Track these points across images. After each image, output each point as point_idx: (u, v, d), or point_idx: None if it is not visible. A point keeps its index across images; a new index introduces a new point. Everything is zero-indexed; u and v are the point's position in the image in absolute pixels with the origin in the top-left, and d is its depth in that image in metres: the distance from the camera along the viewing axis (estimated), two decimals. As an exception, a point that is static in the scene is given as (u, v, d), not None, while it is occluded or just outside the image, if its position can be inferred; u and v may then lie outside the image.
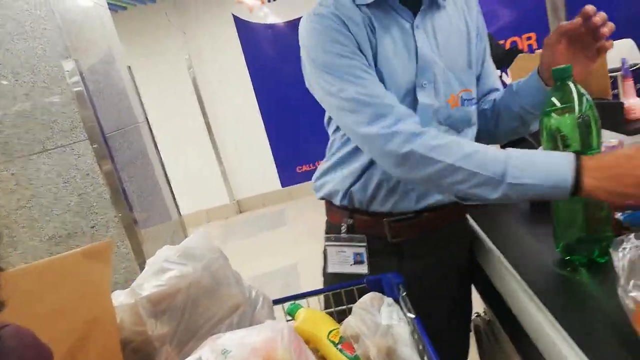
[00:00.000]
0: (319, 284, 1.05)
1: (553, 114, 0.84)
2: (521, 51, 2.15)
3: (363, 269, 1.04)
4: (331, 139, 1.09)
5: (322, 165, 1.12)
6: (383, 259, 1.04)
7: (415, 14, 0.97)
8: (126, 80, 2.36)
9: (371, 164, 0.99)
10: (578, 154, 0.75)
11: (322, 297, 0.90)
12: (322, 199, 1.12)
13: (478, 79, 1.08)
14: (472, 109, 1.04)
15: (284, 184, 5.36)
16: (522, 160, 0.77)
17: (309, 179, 1.23)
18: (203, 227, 5.20)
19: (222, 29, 5.02)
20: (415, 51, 0.95)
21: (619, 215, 0.87)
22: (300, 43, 0.98)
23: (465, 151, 0.80)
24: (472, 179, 0.79)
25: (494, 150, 0.82)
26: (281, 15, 4.96)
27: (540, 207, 1.10)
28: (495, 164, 0.78)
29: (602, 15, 0.85)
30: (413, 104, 0.96)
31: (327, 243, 1.09)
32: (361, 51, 0.92)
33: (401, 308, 0.87)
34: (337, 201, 1.07)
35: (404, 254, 1.04)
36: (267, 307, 0.80)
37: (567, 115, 0.82)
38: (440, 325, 1.07)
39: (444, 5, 1.01)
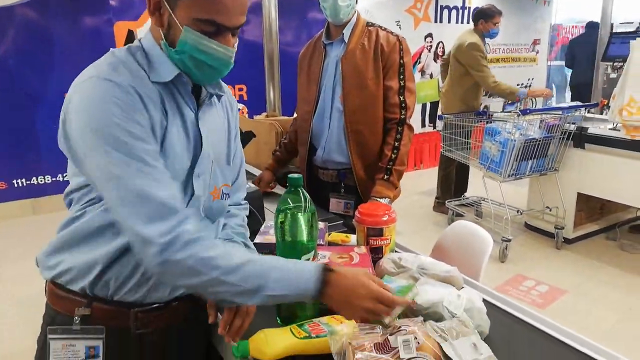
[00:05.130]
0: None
1: (286, 211, 1.01)
2: (254, 136, 2.39)
3: None
4: (77, 205, 0.93)
5: (61, 237, 0.94)
6: (121, 353, 0.95)
7: (198, 105, 0.99)
8: None
9: (128, 246, 0.89)
10: (328, 270, 0.88)
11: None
12: (52, 280, 0.95)
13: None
14: (227, 202, 1.10)
15: None
16: (281, 274, 0.86)
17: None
18: None
19: None
20: (199, 141, 0.96)
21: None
22: (76, 103, 0.83)
23: (233, 263, 0.83)
24: (233, 290, 0.83)
25: (260, 261, 0.88)
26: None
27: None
28: (257, 278, 0.84)
29: None
30: (188, 194, 0.95)
31: (51, 336, 0.93)
32: (154, 135, 0.86)
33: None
34: (74, 286, 0.93)
35: (145, 345, 0.98)
36: None
37: (296, 212, 1.01)
38: None
39: (216, 102, 1.05)
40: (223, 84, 1.09)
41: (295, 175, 1.02)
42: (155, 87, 0.89)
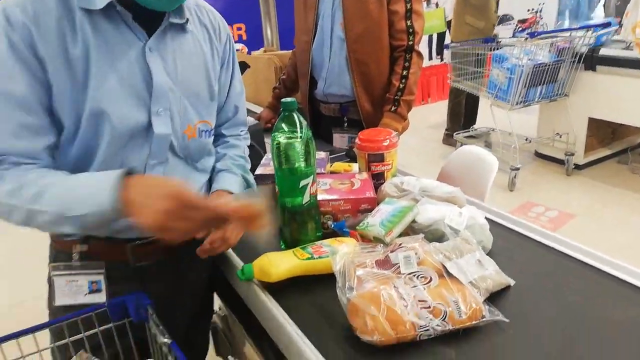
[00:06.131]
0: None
1: (281, 136, 0.99)
2: (248, 66, 2.33)
3: (101, 297, 0.95)
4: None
5: None
6: (123, 285, 0.96)
7: (151, 34, 0.88)
8: None
9: None
10: (127, 173, 0.76)
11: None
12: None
13: (220, 108, 1.10)
14: (210, 140, 1.05)
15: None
16: (64, 190, 0.78)
17: None
18: None
19: None
20: (149, 76, 0.88)
21: (331, 224, 1.10)
22: None
23: (33, 191, 0.77)
24: (41, 218, 0.77)
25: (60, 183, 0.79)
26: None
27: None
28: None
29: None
30: (147, 134, 0.90)
31: (54, 273, 0.94)
32: (47, 79, 0.80)
33: (149, 330, 0.87)
34: None
35: (145, 277, 0.99)
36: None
37: (292, 137, 0.99)
38: (184, 335, 1.10)
39: (190, 29, 0.96)
40: (196, 10, 1.01)
41: (289, 99, 0.99)
42: (74, 15, 0.81)
